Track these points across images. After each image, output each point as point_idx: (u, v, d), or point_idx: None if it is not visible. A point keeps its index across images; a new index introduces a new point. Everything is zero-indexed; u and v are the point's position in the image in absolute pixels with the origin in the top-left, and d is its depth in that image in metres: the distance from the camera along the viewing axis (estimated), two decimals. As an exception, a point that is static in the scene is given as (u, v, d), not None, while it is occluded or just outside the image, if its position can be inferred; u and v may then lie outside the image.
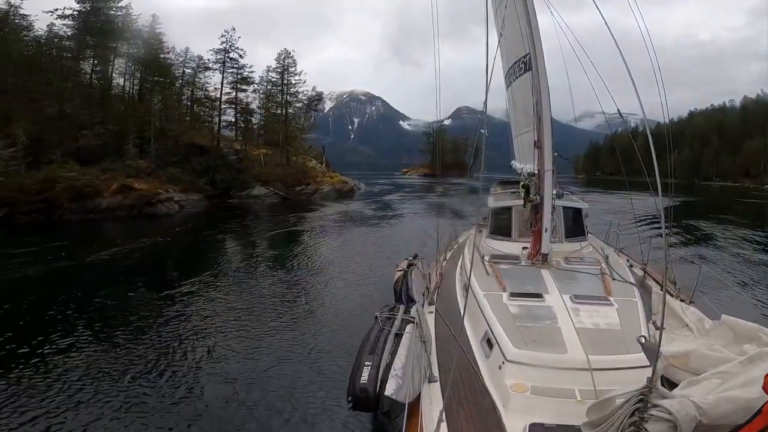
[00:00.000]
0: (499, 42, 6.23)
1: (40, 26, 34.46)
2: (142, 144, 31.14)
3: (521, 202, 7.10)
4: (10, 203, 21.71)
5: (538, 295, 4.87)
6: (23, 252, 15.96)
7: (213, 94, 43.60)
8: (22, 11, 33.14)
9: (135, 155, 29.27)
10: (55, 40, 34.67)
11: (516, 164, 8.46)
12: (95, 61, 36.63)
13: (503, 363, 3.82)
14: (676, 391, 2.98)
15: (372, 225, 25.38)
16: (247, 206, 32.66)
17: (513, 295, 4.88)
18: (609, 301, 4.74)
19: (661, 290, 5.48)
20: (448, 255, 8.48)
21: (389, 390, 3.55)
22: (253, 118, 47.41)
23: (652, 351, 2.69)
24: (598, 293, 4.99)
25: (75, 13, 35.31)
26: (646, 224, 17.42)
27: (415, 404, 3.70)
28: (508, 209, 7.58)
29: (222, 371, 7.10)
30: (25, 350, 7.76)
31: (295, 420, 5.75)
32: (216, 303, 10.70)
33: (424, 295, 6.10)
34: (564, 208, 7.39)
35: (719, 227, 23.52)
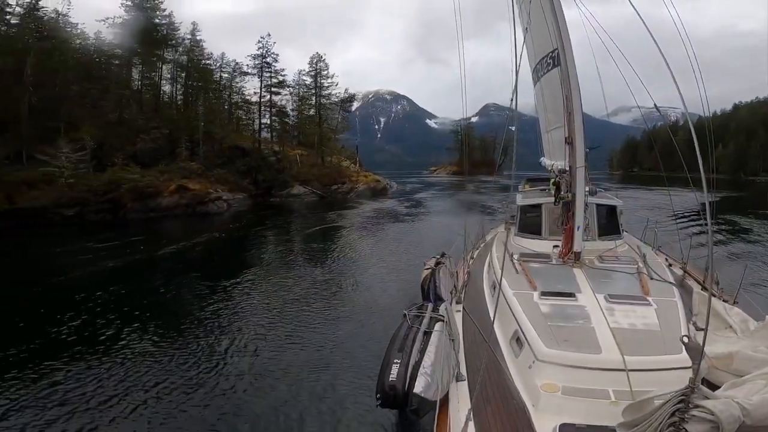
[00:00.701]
0: (525, 37, 6.09)
1: (85, 33, 37.19)
2: (192, 147, 33.21)
3: (552, 199, 6.98)
4: (81, 203, 23.99)
5: (571, 295, 4.79)
6: (102, 247, 17.82)
7: (249, 97, 45.89)
8: (69, 19, 35.60)
9: (186, 158, 31.35)
10: (104, 48, 37.42)
11: (545, 161, 8.35)
12: (143, 68, 39.33)
13: (534, 362, 3.80)
14: (718, 392, 2.94)
15: (405, 221, 26.26)
16: (288, 204, 34.30)
17: (544, 294, 4.81)
18: (647, 300, 4.61)
19: (703, 290, 5.61)
20: (475, 253, 8.48)
21: (418, 388, 3.62)
22: (287, 120, 49.25)
23: (695, 350, 2.65)
24: (634, 293, 4.88)
25: (123, 21, 37.98)
26: (685, 222, 17.32)
27: (443, 403, 3.73)
28: (538, 207, 7.44)
29: (254, 363, 7.41)
30: (116, 335, 8.68)
31: (322, 416, 5.84)
32: (264, 295, 11.42)
33: (451, 293, 6.12)
34: (597, 205, 7.26)
35: (765, 224, 22.99)
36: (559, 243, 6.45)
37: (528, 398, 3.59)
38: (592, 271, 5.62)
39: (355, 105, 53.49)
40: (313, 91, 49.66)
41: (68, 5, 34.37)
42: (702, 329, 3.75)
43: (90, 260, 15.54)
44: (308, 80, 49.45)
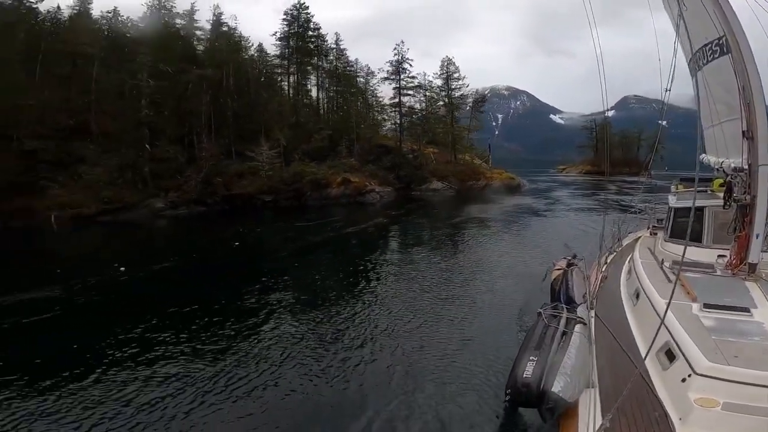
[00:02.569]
0: (678, 23, 5.52)
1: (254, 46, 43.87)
2: (348, 145, 38.23)
3: (719, 201, 6.15)
4: (275, 191, 30.10)
5: (744, 310, 4.34)
6: (302, 227, 22.73)
7: (381, 99, 50.30)
8: (238, 32, 41.86)
9: (346, 155, 36.32)
10: (267, 59, 44.44)
11: (709, 158, 7.42)
12: (299, 76, 46.12)
13: (689, 376, 3.55)
14: None
15: (542, 217, 26.74)
16: (429, 198, 37.18)
17: (707, 306, 4.40)
18: None
19: None
20: (610, 258, 8.07)
21: (557, 387, 3.60)
22: (418, 120, 52.08)
23: None
24: None
25: (285, 35, 44.76)
26: None
27: (574, 407, 3.69)
28: (699, 210, 6.46)
29: (386, 341, 7.89)
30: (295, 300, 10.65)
31: (440, 403, 5.78)
32: (414, 274, 12.85)
33: (584, 297, 5.87)
34: None
35: None
36: (726, 252, 5.81)
37: (674, 411, 3.42)
38: None
39: (469, 102, 53.78)
40: (445, 93, 51.74)
41: (235, 20, 42.30)
42: None
43: (296, 237, 20.20)
44: (439, 82, 51.72)
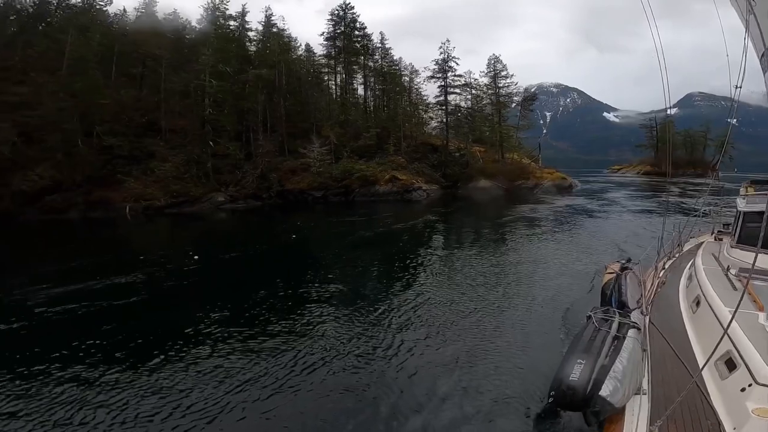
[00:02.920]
0: (747, 19, 5.35)
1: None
2: (395, 143, 38.59)
3: None
4: (325, 187, 31.04)
5: None
6: (355, 221, 23.35)
7: (425, 97, 50.02)
8: (288, 32, 43.21)
9: (393, 153, 36.69)
10: (315, 59, 45.74)
11: None
12: (346, 75, 46.89)
13: (750, 385, 3.45)
14: None
15: (596, 218, 25.53)
16: (476, 197, 36.79)
17: None
18: None
19: None
20: (668, 263, 7.84)
21: (605, 391, 3.55)
22: (465, 119, 51.38)
23: None
24: None
25: (332, 35, 45.47)
26: None
27: (621, 412, 3.65)
28: None
29: (423, 340, 7.80)
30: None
31: (498, 391, 5.87)
32: (460, 269, 12.77)
33: (638, 302, 5.70)
34: None
35: None
36: None
37: (729, 421, 3.37)
38: None
39: (517, 100, 51.97)
40: (492, 91, 50.63)
41: (283, 21, 43.49)
42: None
43: (348, 231, 20.80)
44: (485, 80, 50.72)
